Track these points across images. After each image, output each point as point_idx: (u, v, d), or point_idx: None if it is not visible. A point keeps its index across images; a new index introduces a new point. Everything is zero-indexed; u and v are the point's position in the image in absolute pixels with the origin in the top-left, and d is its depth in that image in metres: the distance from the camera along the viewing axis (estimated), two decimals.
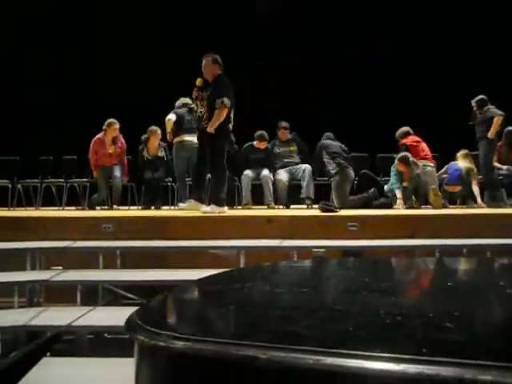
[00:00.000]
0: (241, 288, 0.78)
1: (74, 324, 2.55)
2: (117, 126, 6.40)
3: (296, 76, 8.30)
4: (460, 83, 7.48)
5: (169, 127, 5.86)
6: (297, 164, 6.33)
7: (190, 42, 8.56)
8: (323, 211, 4.56)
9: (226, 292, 0.76)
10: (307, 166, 6.18)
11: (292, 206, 6.26)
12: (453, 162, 6.31)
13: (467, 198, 6.18)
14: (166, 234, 4.06)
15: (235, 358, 0.48)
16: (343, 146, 6.11)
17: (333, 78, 8.10)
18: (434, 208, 5.72)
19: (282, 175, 6.20)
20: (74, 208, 6.66)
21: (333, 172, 5.80)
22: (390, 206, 5.77)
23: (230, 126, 4.82)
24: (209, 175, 5.08)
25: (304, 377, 0.43)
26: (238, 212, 5.33)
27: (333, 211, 4.52)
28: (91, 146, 6.40)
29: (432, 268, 1.16)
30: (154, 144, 6.53)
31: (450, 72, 7.92)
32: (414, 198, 6.01)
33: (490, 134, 5.89)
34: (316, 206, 5.34)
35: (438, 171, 6.31)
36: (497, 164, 6.36)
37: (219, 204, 4.69)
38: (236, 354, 0.47)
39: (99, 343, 3.15)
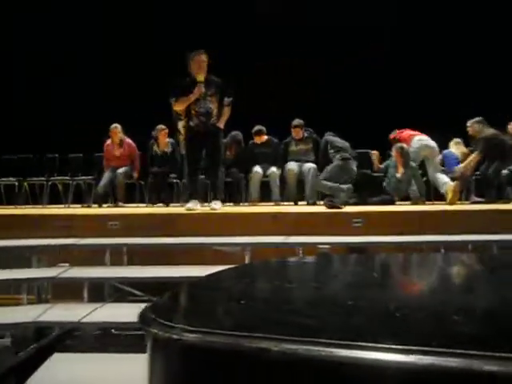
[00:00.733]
0: (250, 283, 0.80)
1: (83, 321, 2.57)
2: (118, 129, 6.56)
3: (296, 76, 8.28)
4: (460, 83, 7.48)
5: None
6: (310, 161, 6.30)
7: (189, 42, 8.60)
8: (328, 208, 4.57)
9: (235, 287, 0.77)
10: (312, 166, 6.11)
11: (299, 203, 6.24)
12: (446, 150, 6.30)
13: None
14: (172, 230, 4.08)
15: (247, 350, 0.48)
16: (347, 143, 6.13)
17: (333, 78, 8.07)
18: (447, 203, 5.65)
19: (293, 166, 6.15)
20: (79, 206, 6.69)
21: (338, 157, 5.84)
22: (391, 201, 5.78)
23: None
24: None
25: (316, 368, 0.44)
26: (244, 209, 5.35)
27: (338, 208, 4.52)
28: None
29: (434, 263, 1.17)
30: (163, 140, 6.64)
31: (450, 72, 7.89)
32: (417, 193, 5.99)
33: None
34: (322, 202, 5.34)
35: None
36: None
37: (222, 200, 4.81)
38: (248, 347, 0.48)
39: (107, 339, 3.17)
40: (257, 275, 0.86)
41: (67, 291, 3.69)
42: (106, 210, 5.85)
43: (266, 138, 6.41)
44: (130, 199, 6.61)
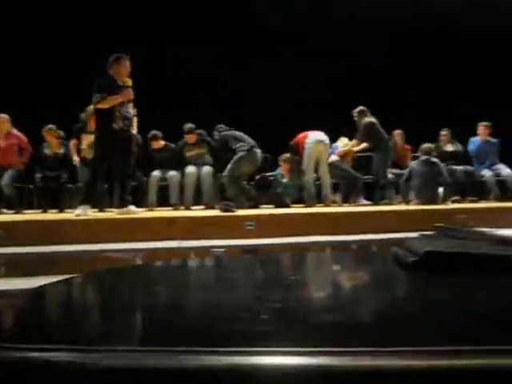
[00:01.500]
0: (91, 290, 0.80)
1: None
2: (5, 119, 6.10)
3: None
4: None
5: None
6: (207, 164, 6.35)
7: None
8: (223, 212, 4.65)
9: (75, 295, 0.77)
10: (210, 170, 6.20)
11: (196, 207, 6.27)
12: (334, 145, 6.63)
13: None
14: (59, 238, 3.90)
15: (58, 364, 0.47)
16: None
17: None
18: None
19: (191, 170, 6.18)
20: None
21: (242, 149, 5.80)
22: (285, 205, 6.07)
23: None
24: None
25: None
26: (141, 214, 5.24)
27: (232, 211, 4.62)
28: None
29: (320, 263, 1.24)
30: (53, 141, 6.32)
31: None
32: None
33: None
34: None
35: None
36: None
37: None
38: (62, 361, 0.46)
39: None
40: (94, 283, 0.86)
41: None
42: None
43: (162, 143, 6.36)
44: (19, 204, 6.16)
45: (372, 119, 6.44)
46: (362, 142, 6.47)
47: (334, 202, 6.39)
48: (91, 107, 5.16)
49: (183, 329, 0.54)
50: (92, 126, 5.25)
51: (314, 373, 0.41)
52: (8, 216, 5.36)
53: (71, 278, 0.83)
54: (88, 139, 6.01)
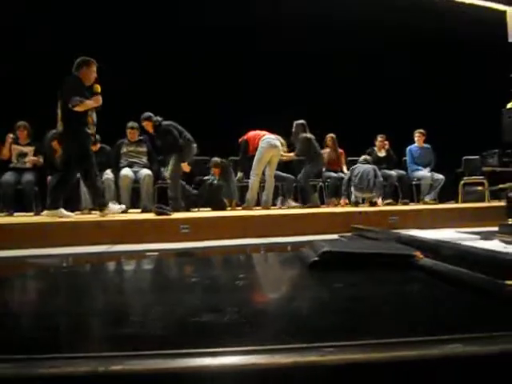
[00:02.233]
0: None
1: None
2: None
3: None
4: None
5: None
6: (144, 167, 6.24)
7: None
8: (157, 214, 4.54)
9: None
10: (147, 173, 6.08)
11: (131, 210, 6.11)
12: None
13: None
14: None
15: None
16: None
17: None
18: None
19: (127, 172, 6.02)
20: None
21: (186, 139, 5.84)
22: (223, 208, 6.07)
23: None
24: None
25: None
26: (72, 217, 5.03)
27: (166, 214, 4.53)
28: None
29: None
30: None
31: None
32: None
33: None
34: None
35: None
36: None
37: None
38: None
39: None
40: None
41: None
42: None
43: (98, 145, 6.14)
44: None
45: (308, 135, 6.72)
46: (300, 156, 6.76)
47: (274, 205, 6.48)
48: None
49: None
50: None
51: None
52: None
53: None
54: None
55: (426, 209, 5.65)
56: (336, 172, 7.16)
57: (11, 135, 6.26)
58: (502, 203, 3.22)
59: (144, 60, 7.75)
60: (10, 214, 5.85)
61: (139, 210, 6.06)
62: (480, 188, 7.57)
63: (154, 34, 7.84)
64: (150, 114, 6.08)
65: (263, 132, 6.34)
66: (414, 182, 7.45)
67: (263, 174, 6.26)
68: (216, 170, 6.36)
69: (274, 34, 7.97)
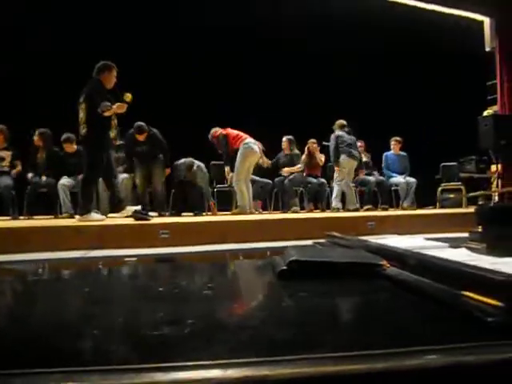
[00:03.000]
0: None
1: None
2: None
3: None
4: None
5: None
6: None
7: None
8: (136, 220, 4.51)
9: None
10: (124, 176, 6.06)
11: (109, 215, 6.04)
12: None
13: None
14: None
15: None
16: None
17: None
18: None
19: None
20: None
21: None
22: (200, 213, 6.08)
23: None
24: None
25: None
26: (47, 222, 4.96)
27: (146, 219, 4.49)
28: None
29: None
30: None
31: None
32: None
33: None
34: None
35: None
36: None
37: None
38: None
39: None
40: None
41: None
42: None
43: (75, 147, 6.08)
44: None
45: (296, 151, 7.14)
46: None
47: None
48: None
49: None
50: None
51: None
52: None
53: None
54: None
55: (403, 214, 5.72)
56: (316, 177, 7.20)
57: None
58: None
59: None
60: None
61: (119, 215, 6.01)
62: (452, 195, 7.69)
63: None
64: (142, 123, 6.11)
65: (244, 135, 6.24)
66: (393, 188, 7.53)
67: None
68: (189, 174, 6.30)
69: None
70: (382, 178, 7.55)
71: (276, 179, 7.04)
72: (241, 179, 6.01)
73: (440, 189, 7.92)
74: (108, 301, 0.76)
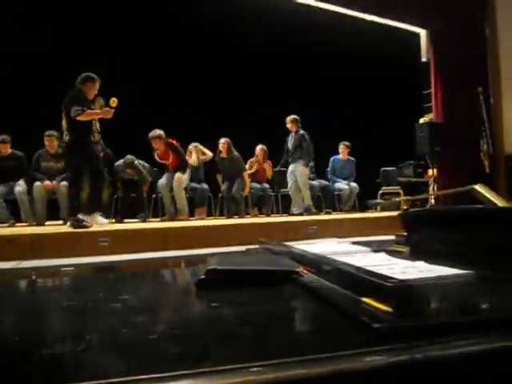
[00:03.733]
0: None
1: None
2: None
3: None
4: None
5: None
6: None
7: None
8: (74, 228, 4.36)
9: None
10: (64, 185, 5.84)
11: (47, 223, 5.81)
12: None
13: None
14: None
15: None
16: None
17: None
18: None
19: (39, 184, 5.77)
20: None
21: None
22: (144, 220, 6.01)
23: None
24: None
25: None
26: None
27: (85, 227, 4.35)
28: None
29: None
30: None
31: None
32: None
33: None
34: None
35: None
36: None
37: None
38: None
39: None
40: None
41: None
42: None
43: (9, 150, 5.79)
44: None
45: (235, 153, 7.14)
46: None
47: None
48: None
49: None
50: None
51: None
52: None
53: None
54: None
55: (345, 218, 5.87)
56: (260, 183, 7.26)
57: None
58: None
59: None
60: None
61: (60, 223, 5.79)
62: (381, 201, 7.98)
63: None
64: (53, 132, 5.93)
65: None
66: (336, 193, 7.70)
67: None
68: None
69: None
70: (326, 182, 7.70)
71: (222, 186, 7.03)
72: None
73: (380, 192, 8.19)
74: (12, 317, 0.72)
